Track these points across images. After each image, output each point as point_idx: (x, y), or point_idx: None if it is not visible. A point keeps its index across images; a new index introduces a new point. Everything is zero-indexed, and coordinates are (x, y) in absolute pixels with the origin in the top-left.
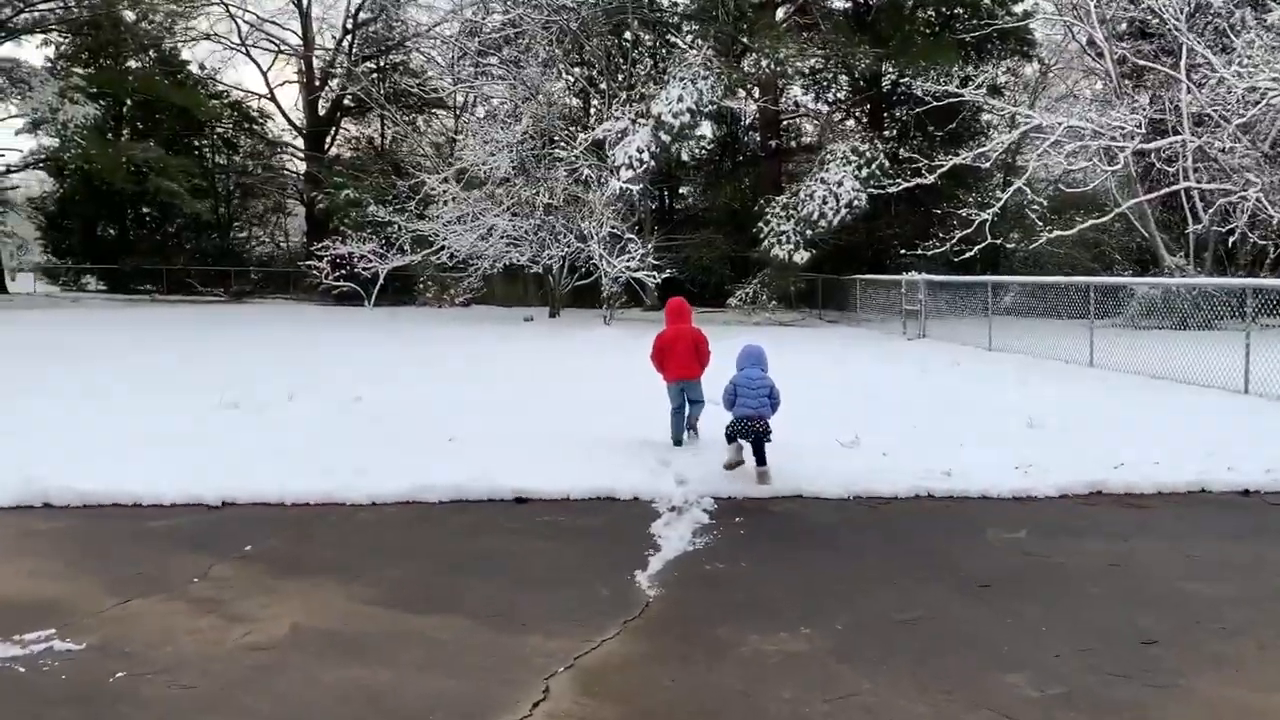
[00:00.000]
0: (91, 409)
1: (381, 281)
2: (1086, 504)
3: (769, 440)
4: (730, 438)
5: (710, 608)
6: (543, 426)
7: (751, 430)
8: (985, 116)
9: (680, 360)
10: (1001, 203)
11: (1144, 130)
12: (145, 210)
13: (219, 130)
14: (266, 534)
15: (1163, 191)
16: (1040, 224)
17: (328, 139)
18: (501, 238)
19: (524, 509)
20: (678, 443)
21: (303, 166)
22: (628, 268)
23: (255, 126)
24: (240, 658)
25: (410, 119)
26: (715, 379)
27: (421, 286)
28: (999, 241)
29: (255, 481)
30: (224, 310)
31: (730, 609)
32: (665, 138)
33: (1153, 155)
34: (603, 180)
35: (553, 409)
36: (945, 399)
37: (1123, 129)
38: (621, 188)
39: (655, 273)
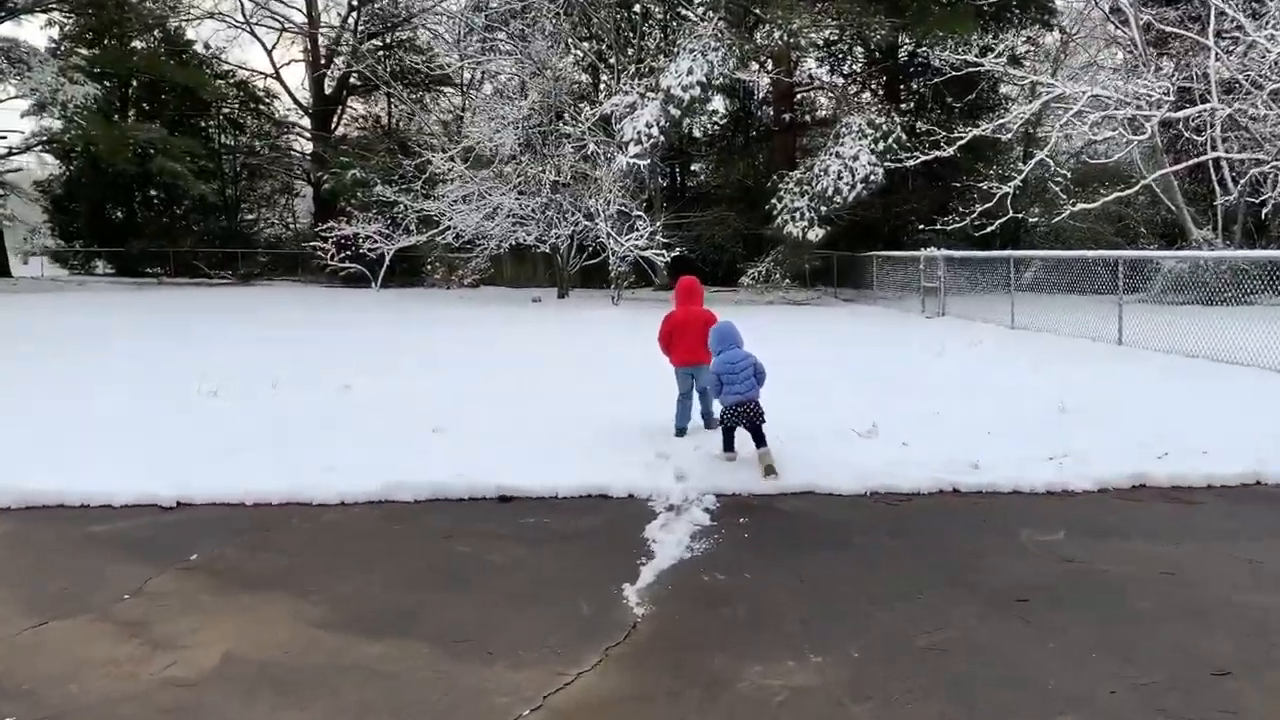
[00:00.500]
0: (57, 399)
1: (388, 263)
2: (1129, 499)
3: (764, 421)
4: (726, 430)
5: (706, 630)
6: (537, 415)
7: (744, 415)
8: (1004, 88)
9: (689, 344)
10: (1023, 175)
11: (1172, 98)
12: (153, 193)
13: (225, 111)
14: (218, 539)
15: (1191, 162)
16: (1064, 197)
17: (334, 118)
18: (508, 217)
19: (508, 509)
20: (681, 432)
21: (309, 146)
22: (636, 246)
23: (261, 106)
24: (155, 697)
25: (417, 97)
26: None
27: (429, 267)
28: (1020, 216)
29: (216, 478)
30: (229, 293)
31: (730, 631)
32: (675, 112)
33: (1180, 124)
34: (610, 156)
35: (550, 396)
36: (968, 381)
37: (1150, 97)
38: (629, 163)
39: (665, 251)
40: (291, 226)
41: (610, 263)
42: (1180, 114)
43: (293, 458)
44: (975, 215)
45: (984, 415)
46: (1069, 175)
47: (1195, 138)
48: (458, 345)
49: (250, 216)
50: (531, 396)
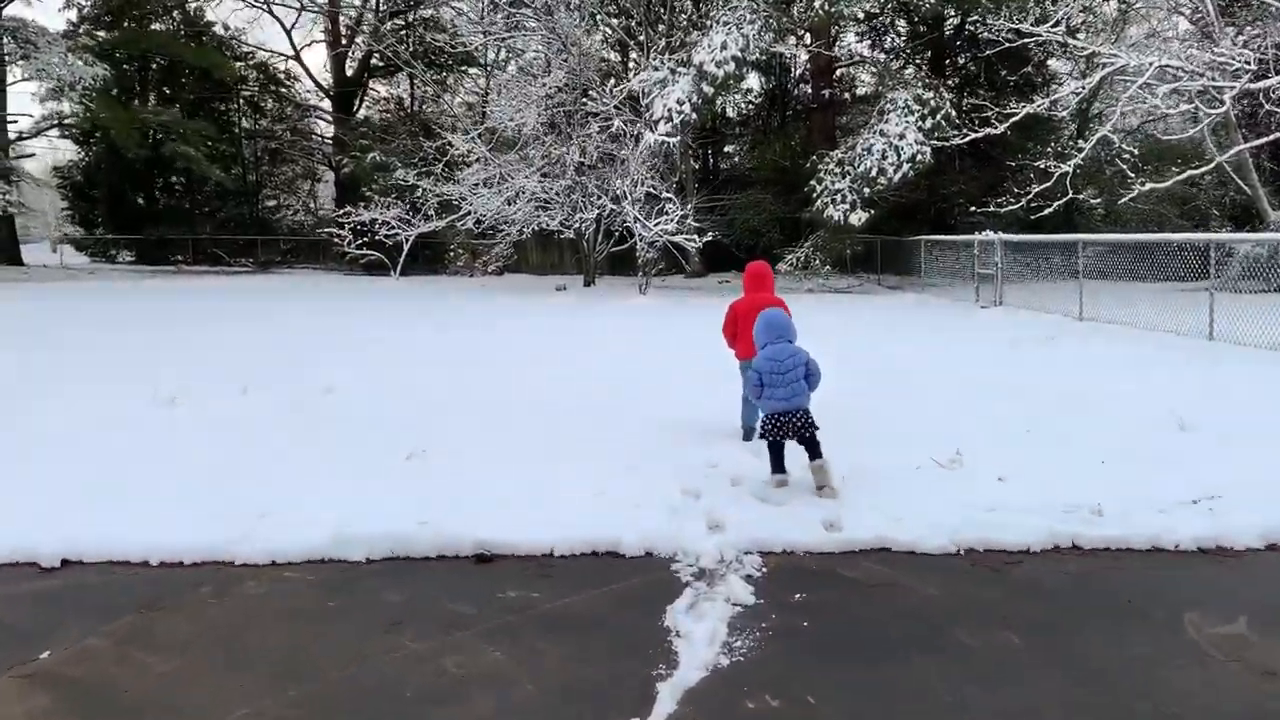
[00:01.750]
0: None
1: (408, 249)
2: None
3: (817, 428)
4: (772, 447)
5: None
6: (541, 429)
7: (790, 428)
8: (1054, 64)
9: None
10: (1084, 152)
11: (1253, 67)
12: (174, 179)
13: (245, 94)
14: (91, 621)
15: (1270, 138)
16: (1131, 175)
17: (356, 101)
18: (530, 200)
19: (486, 574)
20: (749, 434)
21: (331, 130)
22: (665, 231)
23: (282, 89)
24: None
25: (440, 78)
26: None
27: (452, 254)
28: (1081, 196)
29: (120, 525)
30: (244, 281)
31: None
32: (708, 89)
33: (1261, 96)
34: (638, 135)
35: (559, 404)
36: (1054, 388)
37: (1228, 66)
38: (659, 141)
39: (696, 236)
40: (313, 212)
41: (638, 249)
42: (1261, 84)
43: (228, 494)
44: (1032, 196)
45: (1087, 434)
46: (1135, 152)
47: (1277, 109)
48: (466, 339)
49: (271, 203)
50: (537, 404)
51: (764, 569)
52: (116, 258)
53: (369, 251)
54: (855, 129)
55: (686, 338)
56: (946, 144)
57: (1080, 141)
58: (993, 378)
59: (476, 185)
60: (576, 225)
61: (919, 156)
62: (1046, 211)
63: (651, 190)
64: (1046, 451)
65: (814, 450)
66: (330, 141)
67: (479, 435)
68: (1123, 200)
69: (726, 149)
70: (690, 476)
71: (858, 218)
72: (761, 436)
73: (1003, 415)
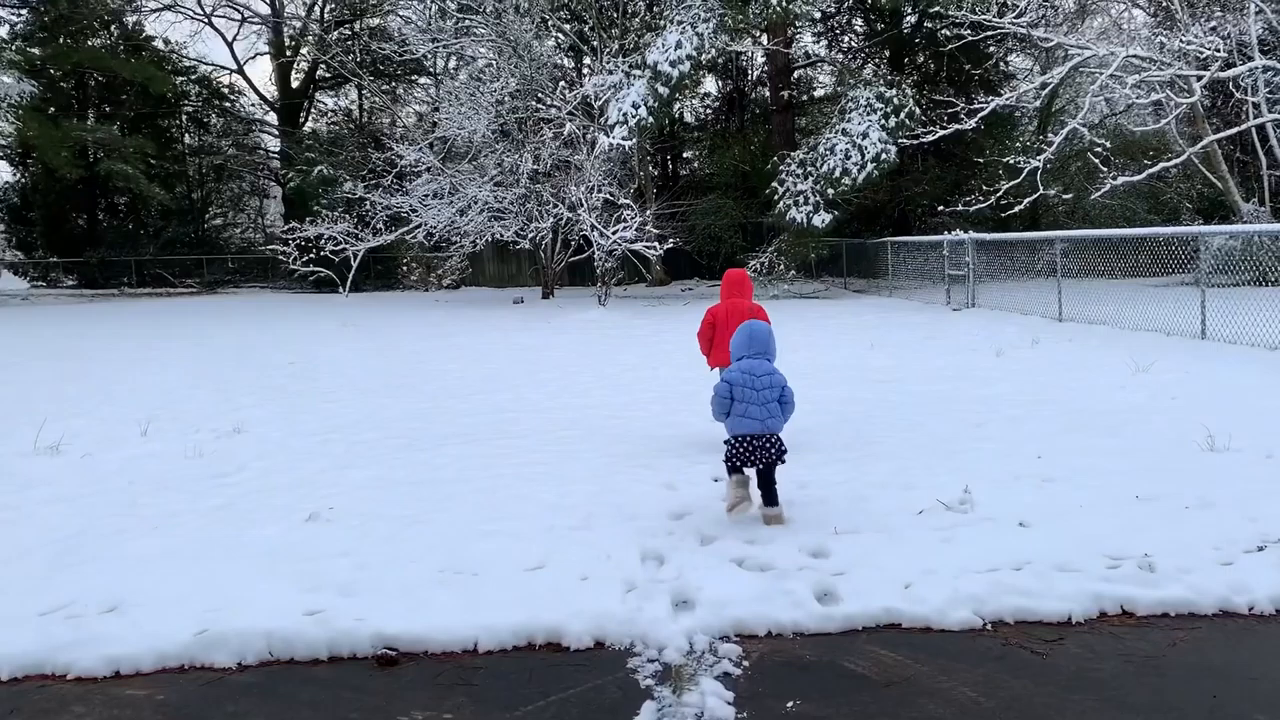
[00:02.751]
0: None
1: (356, 265)
2: None
3: (783, 462)
4: (732, 467)
5: None
6: (474, 479)
7: (761, 454)
8: (1014, 60)
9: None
10: (1055, 146)
11: (1224, 54)
12: (117, 199)
13: (188, 109)
14: None
15: (1238, 129)
16: (1104, 169)
17: (302, 113)
18: (482, 211)
19: (389, 683)
20: None
21: (278, 144)
22: (624, 239)
23: (226, 104)
24: None
25: (389, 88)
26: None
27: (405, 269)
28: (1053, 193)
29: None
30: (186, 304)
31: None
32: (663, 90)
33: (1231, 84)
34: (593, 139)
35: (499, 443)
36: (1055, 401)
37: (1200, 54)
38: (612, 145)
39: (657, 244)
40: (263, 230)
41: (595, 258)
42: (1230, 72)
43: (74, 579)
44: (1002, 193)
45: (1107, 459)
46: (1108, 145)
47: (1250, 98)
48: (407, 361)
49: (218, 221)
50: (473, 439)
51: (745, 662)
52: (58, 282)
53: (316, 269)
54: (816, 130)
55: (648, 353)
56: (915, 141)
57: (1050, 136)
58: (984, 392)
59: (427, 197)
60: (532, 235)
61: (883, 156)
62: (1017, 209)
63: (609, 197)
64: (1066, 484)
65: (770, 495)
66: (277, 156)
67: (400, 486)
68: (1095, 195)
69: (685, 154)
70: (652, 533)
71: (821, 220)
72: (727, 458)
73: (1006, 438)
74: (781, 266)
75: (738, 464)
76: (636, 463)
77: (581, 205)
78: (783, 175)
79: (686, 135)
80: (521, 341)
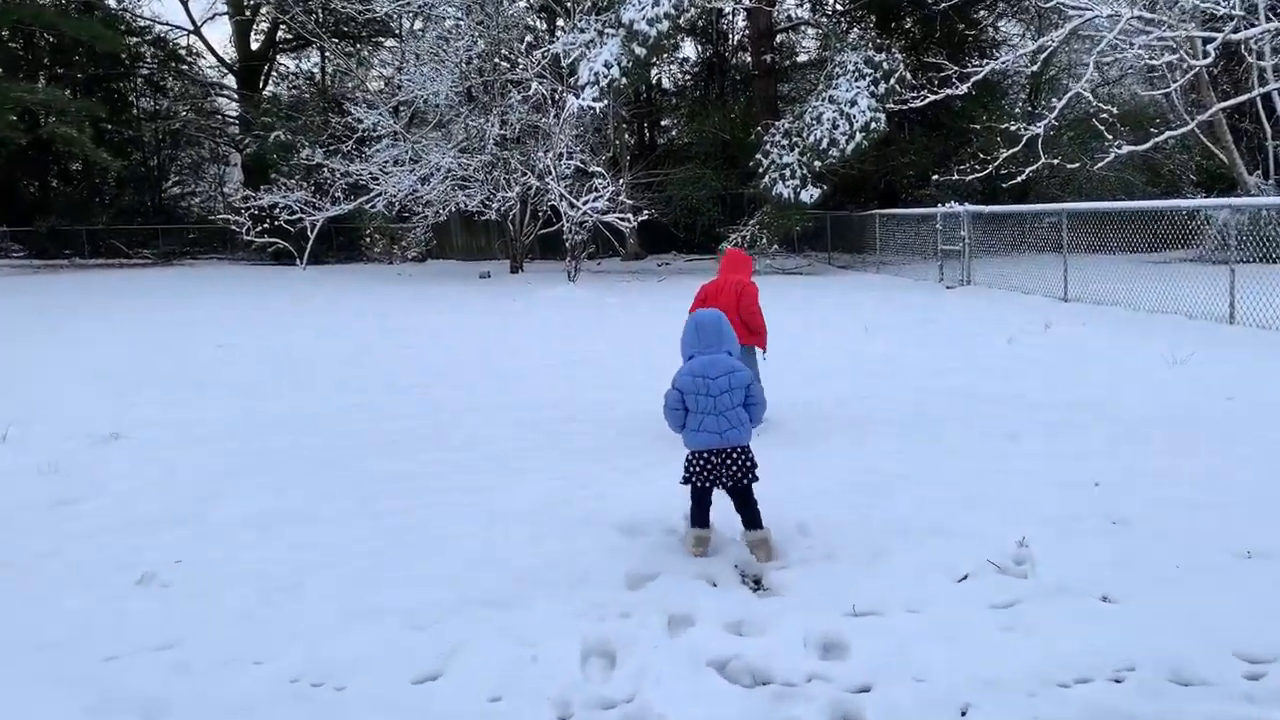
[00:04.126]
0: None
1: (315, 236)
2: None
3: (754, 480)
4: (695, 494)
5: None
6: (384, 505)
7: (725, 473)
8: (1005, 25)
9: None
10: (1057, 111)
11: (1240, 12)
12: (72, 165)
13: (143, 72)
14: None
15: (1245, 97)
16: (1109, 137)
17: (262, 77)
18: (445, 179)
19: None
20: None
21: (238, 109)
22: (595, 210)
23: (183, 66)
24: None
25: (353, 50)
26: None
27: (368, 240)
28: (1056, 162)
29: None
30: (133, 276)
31: None
32: (639, 50)
33: (1242, 47)
34: (560, 99)
35: (430, 452)
36: (1090, 402)
37: (1215, 10)
38: (583, 107)
39: (630, 215)
40: (221, 199)
41: (565, 230)
42: (1242, 35)
43: None
44: (999, 163)
45: (1184, 488)
46: (1114, 111)
47: (1259, 63)
48: (349, 346)
49: (176, 190)
50: (396, 454)
51: None
52: (9, 251)
53: (272, 240)
54: (799, 97)
55: (619, 336)
56: (906, 107)
57: (1053, 102)
58: (1004, 389)
59: (387, 164)
60: (499, 206)
61: (873, 124)
62: (1020, 179)
63: (580, 165)
64: (1145, 528)
65: (751, 515)
66: (236, 122)
67: (283, 524)
68: (1098, 165)
69: (663, 122)
70: (603, 609)
71: (810, 195)
72: (684, 482)
73: (1048, 454)
74: (764, 241)
75: (697, 483)
76: (593, 488)
77: (550, 173)
78: (767, 146)
79: (665, 103)
80: (481, 322)
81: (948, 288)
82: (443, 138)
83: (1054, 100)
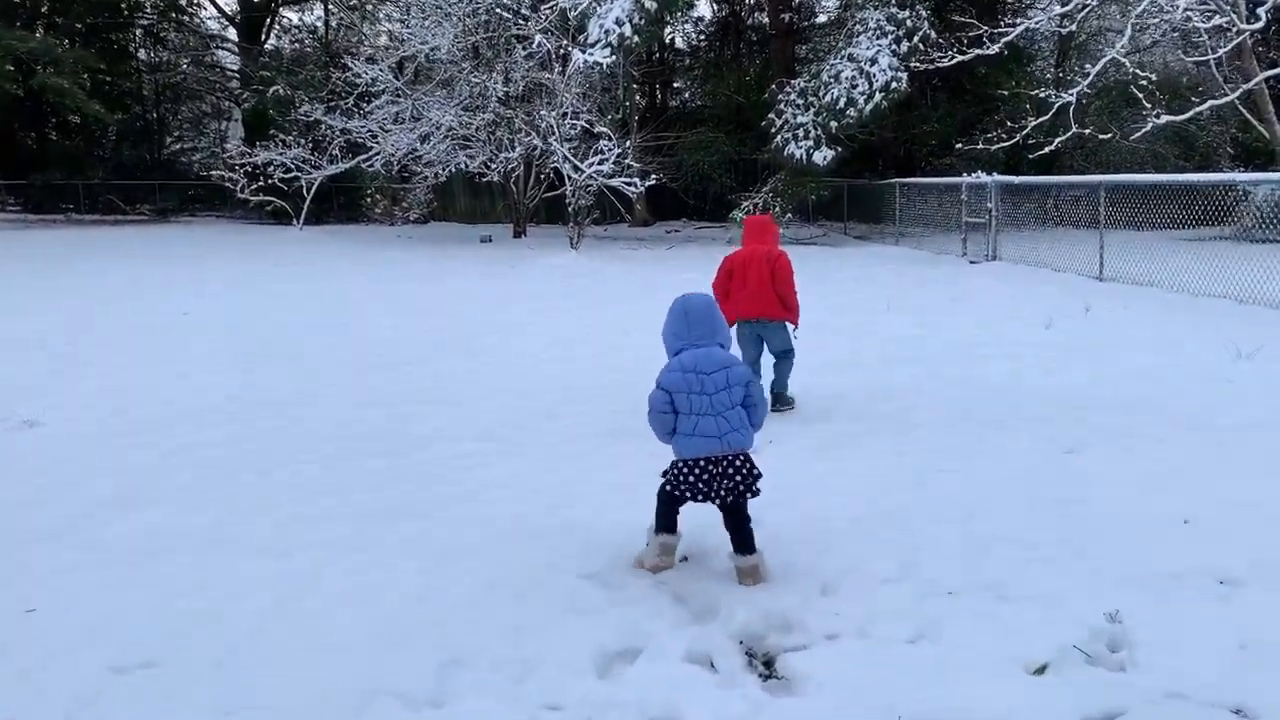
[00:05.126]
0: None
1: (311, 195)
2: None
3: (755, 493)
4: (665, 509)
5: None
6: (299, 539)
7: (723, 484)
8: None
9: (751, 291)
10: (1091, 77)
11: None
12: (70, 118)
13: (143, 23)
14: None
15: None
16: (1147, 105)
17: (264, 30)
18: (445, 138)
19: None
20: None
21: (239, 63)
22: (599, 172)
23: (184, 17)
24: None
25: (357, 4)
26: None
27: (369, 200)
28: (1089, 131)
29: None
30: (124, 232)
31: None
32: (652, 5)
33: None
34: (563, 53)
35: (381, 458)
36: (1152, 403)
37: None
38: (592, 65)
39: (637, 180)
40: (221, 155)
41: (568, 194)
42: None
43: None
44: (1027, 131)
45: None
46: (1153, 78)
47: None
48: (329, 315)
49: (177, 145)
50: (342, 453)
51: None
52: (6, 205)
53: (267, 198)
54: (818, 58)
55: (620, 311)
56: (931, 66)
57: (1086, 68)
58: (1051, 383)
59: (386, 121)
60: (502, 166)
61: (894, 85)
62: (1049, 149)
63: (587, 126)
64: (1265, 588)
65: (744, 536)
66: (237, 76)
67: (169, 563)
68: (1134, 136)
69: (676, 84)
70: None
71: (823, 157)
72: (668, 497)
73: (1118, 478)
74: (777, 209)
75: (686, 496)
76: (564, 513)
77: (553, 133)
78: (781, 105)
79: (678, 63)
80: (474, 291)
81: (972, 262)
82: (445, 95)
83: (1088, 66)
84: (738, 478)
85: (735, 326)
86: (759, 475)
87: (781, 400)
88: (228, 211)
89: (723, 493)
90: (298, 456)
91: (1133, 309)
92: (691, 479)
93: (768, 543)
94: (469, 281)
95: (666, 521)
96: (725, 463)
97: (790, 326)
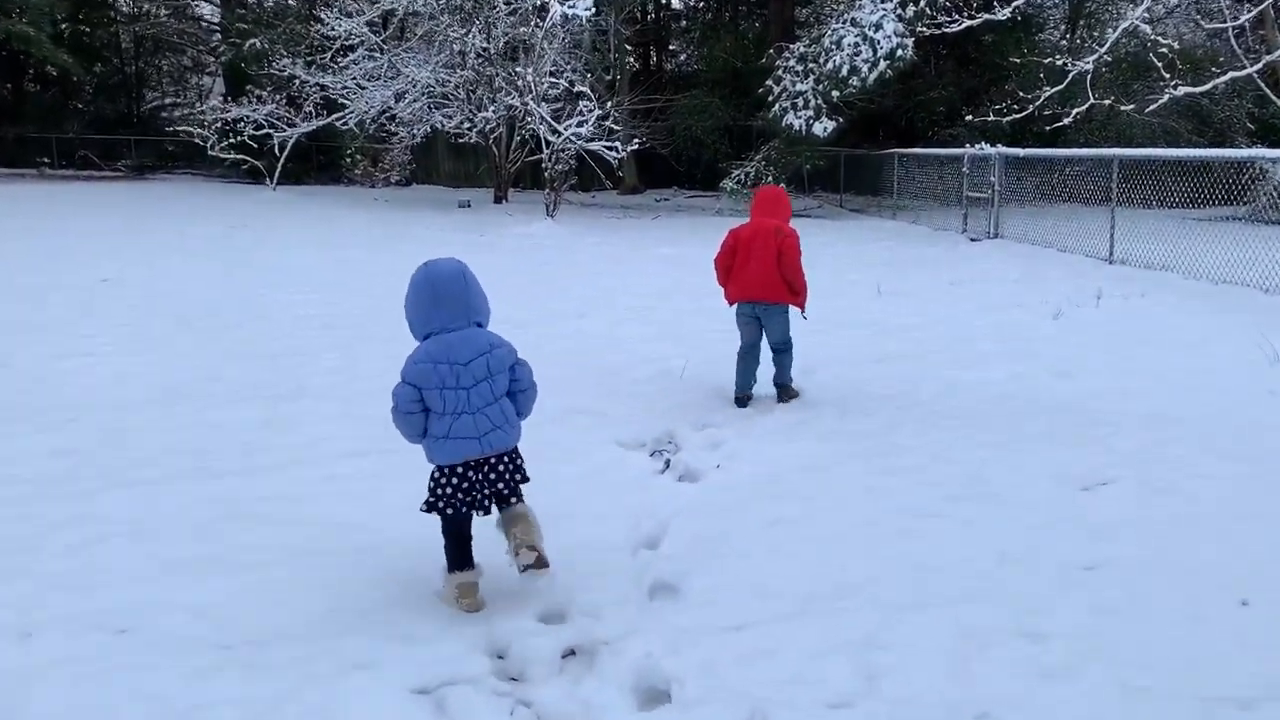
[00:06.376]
0: None
1: (285, 154)
2: None
3: (525, 480)
4: (448, 526)
5: None
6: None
7: (488, 489)
8: None
9: (754, 271)
10: (1110, 44)
11: None
12: (49, 70)
13: None
14: None
15: None
16: (1166, 75)
17: None
18: (419, 97)
19: None
20: (742, 401)
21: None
22: (577, 135)
23: None
24: None
25: None
26: None
27: (349, 161)
28: (1108, 102)
29: None
30: (92, 189)
31: None
32: None
33: None
34: (544, 5)
35: (204, 491)
36: (1185, 419)
37: None
38: (569, 15)
39: (619, 144)
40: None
41: (545, 158)
42: None
43: None
44: (1040, 102)
45: None
46: (1175, 46)
47: None
48: (252, 286)
49: (157, 101)
50: (178, 476)
51: None
52: None
53: (240, 156)
54: (820, 20)
55: (584, 291)
56: (939, 31)
57: (1106, 33)
58: (1063, 391)
59: (360, 78)
60: (481, 127)
61: (899, 51)
62: (1063, 121)
63: (569, 87)
64: None
65: (529, 550)
66: (218, 28)
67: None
68: (1150, 109)
69: (671, 46)
70: None
71: (823, 128)
72: (428, 510)
73: (1159, 534)
74: (769, 178)
75: (452, 510)
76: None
77: (530, 91)
78: (779, 72)
79: (674, 25)
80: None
81: (972, 240)
82: (424, 50)
83: (1108, 32)
84: (500, 484)
85: (735, 307)
86: (523, 474)
87: (786, 392)
88: (205, 169)
89: (486, 503)
90: (112, 485)
91: (1149, 298)
92: (449, 489)
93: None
94: (424, 249)
95: (460, 556)
96: (487, 466)
97: (796, 312)
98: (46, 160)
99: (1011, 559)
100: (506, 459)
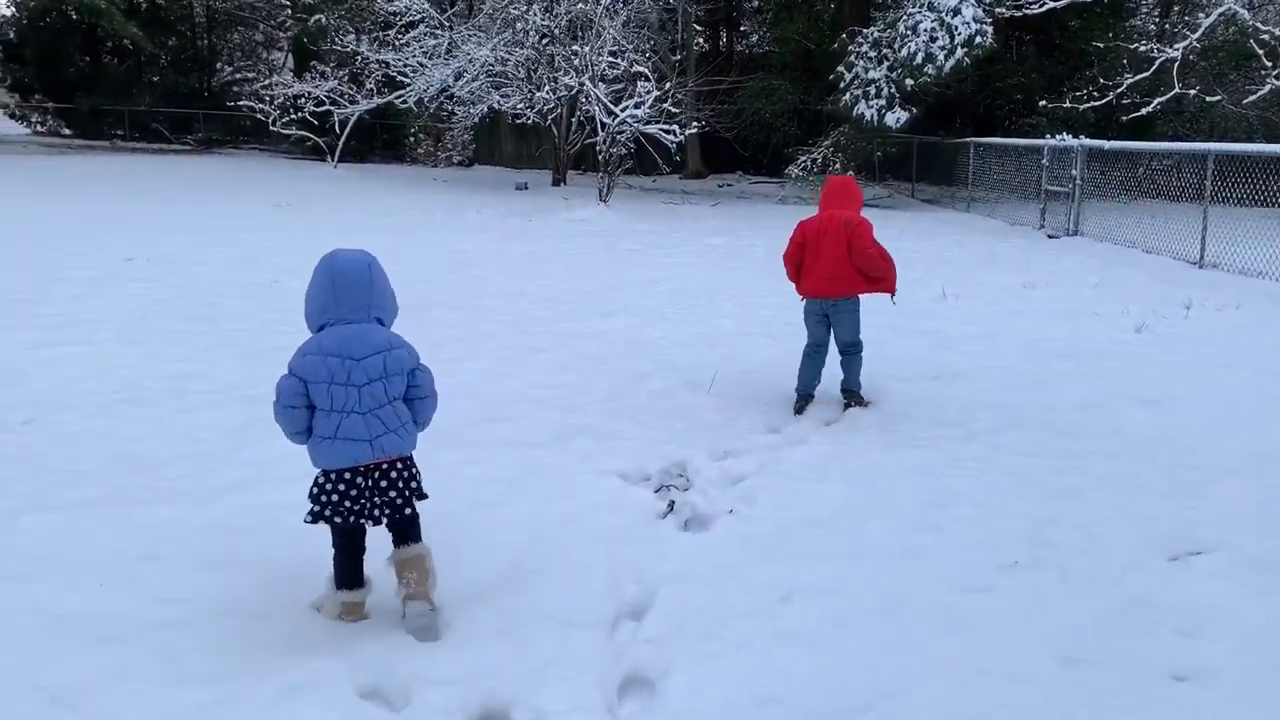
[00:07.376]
0: None
1: (347, 131)
2: None
3: (423, 497)
4: (338, 556)
5: None
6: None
7: (378, 500)
8: None
9: (825, 264)
10: (1202, 30)
11: None
12: (125, 42)
13: None
14: None
15: None
16: (1268, 64)
17: None
18: (477, 76)
19: None
20: (802, 401)
21: None
22: (633, 117)
23: None
24: None
25: None
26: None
27: (412, 140)
28: (1193, 92)
29: None
30: (152, 161)
31: None
32: None
33: None
34: None
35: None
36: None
37: None
38: None
39: (677, 128)
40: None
41: (599, 141)
42: None
43: None
44: (1122, 89)
45: None
46: (1276, 33)
47: None
48: (274, 272)
49: (229, 76)
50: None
51: None
52: (60, 129)
53: (302, 133)
54: (898, 2)
55: (606, 289)
56: (1019, 12)
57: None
58: (1146, 424)
59: (419, 54)
60: (539, 108)
61: (978, 39)
62: (1146, 111)
63: (636, 65)
64: None
65: (413, 532)
66: (288, 4)
67: None
68: (1248, 99)
69: (742, 27)
70: None
71: (896, 119)
72: (314, 520)
73: (1247, 631)
74: (837, 165)
75: (339, 520)
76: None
77: (587, 70)
78: (852, 58)
79: (745, 4)
80: (469, 247)
81: (1050, 236)
82: (487, 28)
83: (1200, 16)
84: (392, 492)
85: (804, 304)
86: (419, 486)
87: (855, 399)
88: (271, 145)
89: (376, 513)
90: (42, 497)
91: (1245, 309)
92: (335, 496)
93: None
94: (475, 233)
95: (349, 572)
96: (378, 473)
97: (869, 305)
98: (120, 133)
99: (1077, 660)
100: (400, 465)
